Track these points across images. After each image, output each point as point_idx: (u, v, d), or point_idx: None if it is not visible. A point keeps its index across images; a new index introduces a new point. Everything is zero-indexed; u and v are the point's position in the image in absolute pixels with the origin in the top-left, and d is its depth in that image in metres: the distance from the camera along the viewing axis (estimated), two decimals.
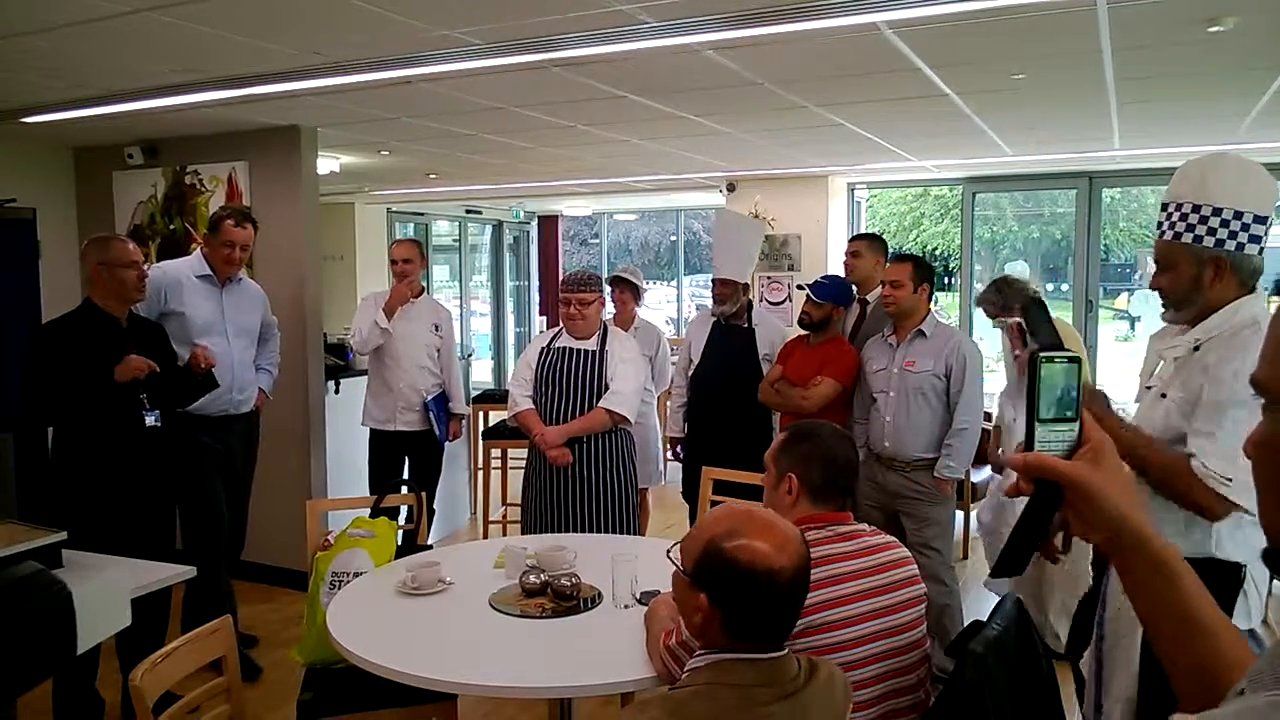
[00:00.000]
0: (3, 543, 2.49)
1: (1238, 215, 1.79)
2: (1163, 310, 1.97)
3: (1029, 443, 0.85)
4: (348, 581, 2.54)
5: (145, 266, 3.27)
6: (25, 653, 1.77)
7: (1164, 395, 1.89)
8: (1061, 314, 7.57)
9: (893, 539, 2.00)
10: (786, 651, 1.46)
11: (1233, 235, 1.80)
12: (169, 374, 3.26)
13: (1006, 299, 3.85)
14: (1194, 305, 1.88)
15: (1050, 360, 0.84)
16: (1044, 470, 0.83)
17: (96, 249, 3.18)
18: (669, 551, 1.54)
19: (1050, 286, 9.21)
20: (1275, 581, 2.08)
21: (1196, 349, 1.84)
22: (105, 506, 3.07)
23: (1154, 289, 1.95)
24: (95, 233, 5.06)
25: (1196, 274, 1.84)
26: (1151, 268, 2.02)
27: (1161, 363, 1.96)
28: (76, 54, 3.14)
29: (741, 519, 1.47)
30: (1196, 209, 1.82)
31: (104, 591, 2.15)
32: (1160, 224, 1.90)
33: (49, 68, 3.33)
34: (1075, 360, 0.85)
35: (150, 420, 3.19)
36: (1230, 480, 1.75)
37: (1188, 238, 1.83)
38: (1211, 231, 1.81)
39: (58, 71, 3.39)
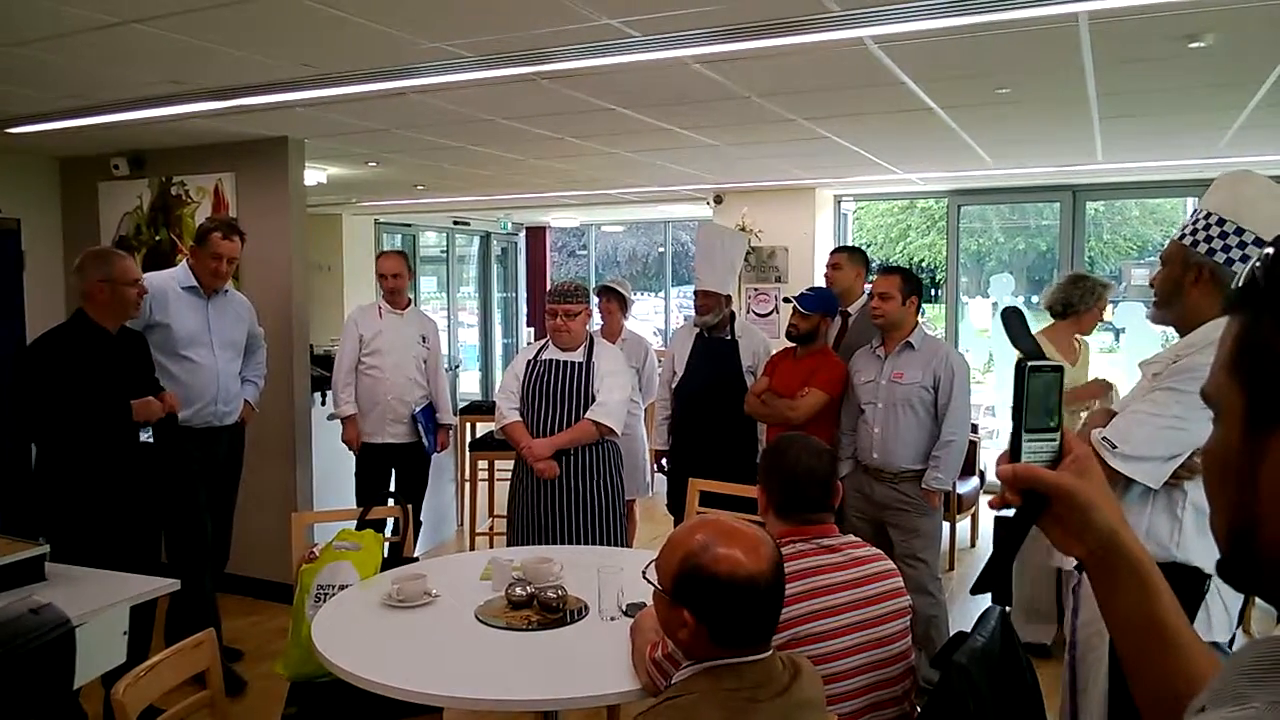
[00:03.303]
0: None
1: (1239, 231, 1.80)
2: (1149, 309, 2.00)
3: (1015, 454, 0.84)
4: (333, 594, 2.53)
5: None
6: (27, 686, 1.78)
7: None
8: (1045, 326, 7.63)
9: (878, 551, 2.01)
10: (772, 652, 1.47)
11: (1226, 249, 1.81)
12: (148, 384, 3.26)
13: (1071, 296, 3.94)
14: (1173, 308, 1.91)
15: (1038, 370, 0.84)
16: (1034, 481, 0.82)
17: (100, 265, 3.12)
18: (644, 571, 1.54)
19: (1035, 298, 9.28)
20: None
21: (1175, 362, 1.86)
22: (94, 520, 3.03)
23: (1151, 285, 1.98)
24: (80, 243, 5.06)
25: (1181, 275, 1.87)
26: (1135, 279, 2.07)
27: (1143, 379, 1.98)
28: (62, 65, 3.13)
29: (710, 530, 1.48)
30: (1207, 216, 1.85)
31: (101, 628, 2.17)
32: (1181, 229, 1.95)
33: (35, 78, 3.32)
34: (1059, 369, 0.85)
35: (144, 436, 3.16)
36: (1116, 446, 1.79)
37: (1188, 240, 1.86)
38: (1209, 239, 1.83)
39: (44, 82, 3.38)
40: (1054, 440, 0.84)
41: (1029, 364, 0.84)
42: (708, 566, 1.42)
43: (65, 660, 1.90)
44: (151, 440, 3.19)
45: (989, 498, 0.94)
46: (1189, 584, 1.80)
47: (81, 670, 1.98)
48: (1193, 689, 0.78)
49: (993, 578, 0.87)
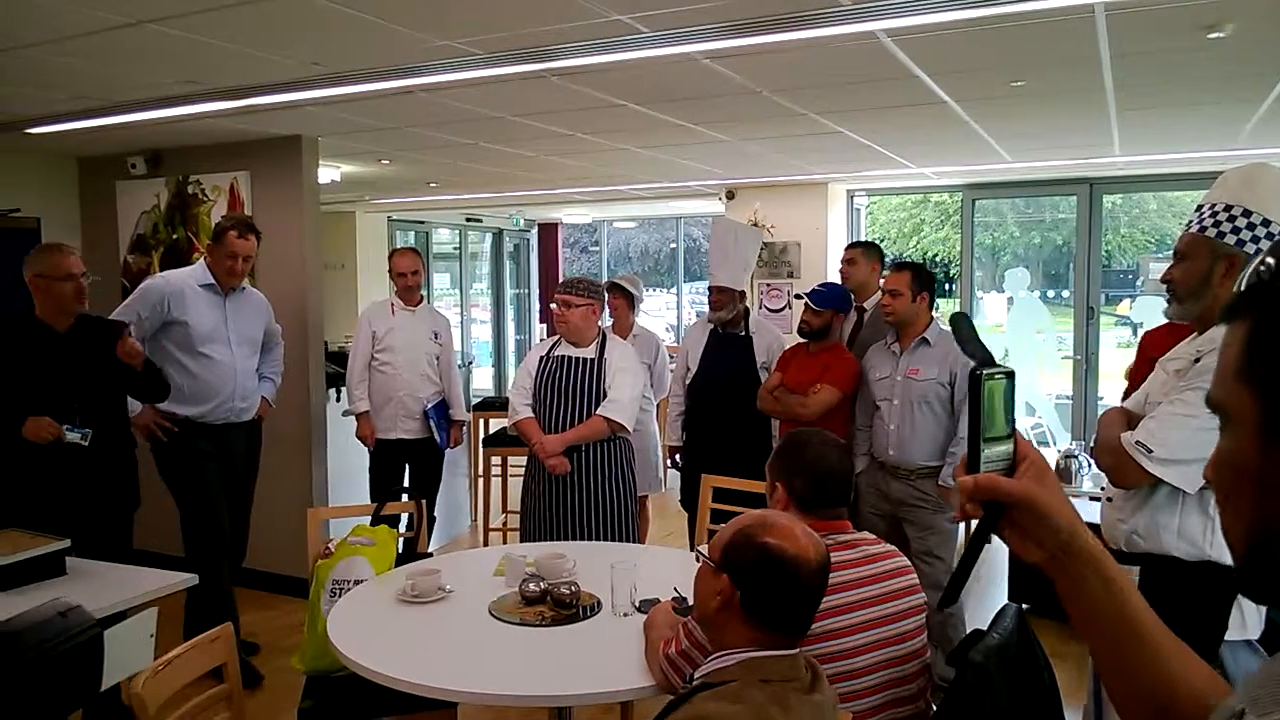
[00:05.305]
0: (7, 550, 2.51)
1: (1265, 222, 1.80)
2: (1166, 305, 1.98)
3: (974, 464, 0.82)
4: (348, 589, 2.55)
5: (85, 279, 3.11)
6: (56, 689, 1.80)
7: (1158, 405, 1.89)
8: (1063, 321, 7.58)
9: (893, 548, 2.00)
10: (798, 652, 1.48)
11: (1255, 240, 1.81)
12: (117, 373, 3.19)
13: None
14: (1199, 301, 1.89)
15: (991, 377, 0.82)
16: (995, 492, 0.80)
17: (33, 260, 3.08)
18: (697, 547, 1.60)
19: (1051, 293, 9.21)
20: None
21: (1198, 360, 1.84)
22: (36, 521, 2.84)
23: (1164, 280, 1.97)
24: (98, 242, 5.12)
25: (1209, 268, 1.86)
26: (1153, 273, 2.05)
27: (1164, 376, 1.96)
28: (80, 66, 3.16)
29: (770, 518, 1.57)
30: (1228, 209, 1.84)
31: (129, 630, 2.20)
32: (1190, 222, 1.93)
33: (53, 80, 3.35)
34: (1010, 374, 0.84)
35: (74, 437, 3.01)
36: (1151, 450, 1.79)
37: (1211, 232, 1.86)
38: (1235, 231, 1.83)
39: (62, 83, 3.41)
40: (1009, 447, 0.83)
41: (982, 372, 0.82)
42: (757, 537, 1.51)
43: (93, 663, 1.92)
44: (85, 443, 3.03)
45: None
46: (1224, 582, 1.78)
47: (109, 672, 2.00)
48: (1170, 686, 0.78)
49: (958, 589, 0.85)
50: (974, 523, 0.84)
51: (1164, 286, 1.95)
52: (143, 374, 3.26)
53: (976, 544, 0.83)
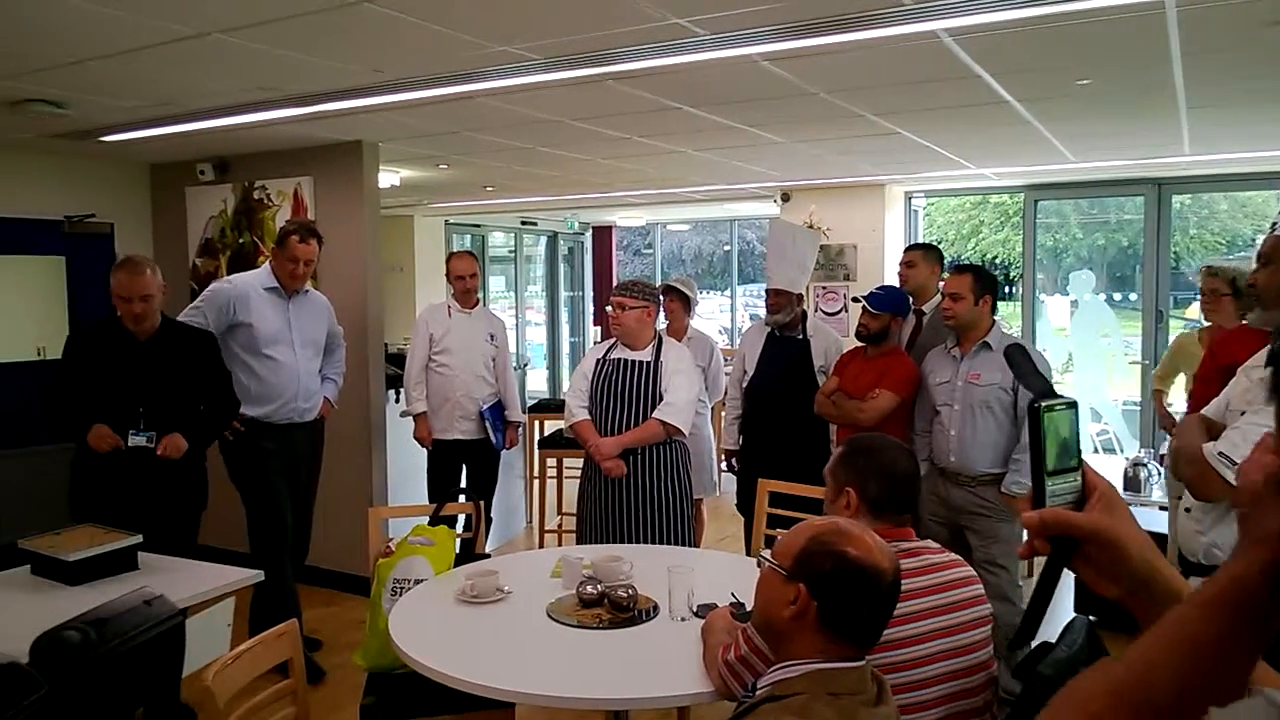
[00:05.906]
0: (84, 544, 2.61)
1: None
2: (1247, 312, 1.91)
3: (1039, 498, 0.80)
4: (409, 588, 2.59)
5: (147, 302, 3.14)
6: (141, 675, 1.87)
7: (1242, 413, 1.82)
8: (1130, 325, 7.36)
9: (957, 557, 1.96)
10: (865, 663, 1.46)
11: None
12: (192, 381, 3.30)
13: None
14: None
15: (1051, 409, 0.80)
16: (1063, 526, 0.78)
17: (112, 274, 3.17)
18: (760, 553, 1.59)
19: (1118, 296, 8.94)
20: None
21: None
22: (107, 519, 2.94)
23: (1249, 285, 1.91)
24: (169, 246, 5.29)
25: None
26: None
27: (1246, 382, 1.89)
28: (151, 76, 3.26)
29: (843, 526, 1.52)
30: None
31: (206, 620, 2.29)
32: (1274, 224, 1.89)
33: (126, 90, 3.47)
34: (1073, 405, 0.82)
35: (138, 441, 3.08)
36: (1235, 463, 1.73)
37: None
38: None
39: (135, 92, 3.53)
40: (1076, 479, 0.81)
41: (1042, 404, 0.80)
42: (837, 544, 1.46)
43: (175, 650, 2.00)
44: (151, 445, 3.11)
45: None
46: None
47: (190, 659, 2.08)
48: None
49: (1033, 629, 0.83)
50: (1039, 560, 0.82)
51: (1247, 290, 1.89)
52: (205, 417, 3.38)
53: (1048, 581, 0.81)
